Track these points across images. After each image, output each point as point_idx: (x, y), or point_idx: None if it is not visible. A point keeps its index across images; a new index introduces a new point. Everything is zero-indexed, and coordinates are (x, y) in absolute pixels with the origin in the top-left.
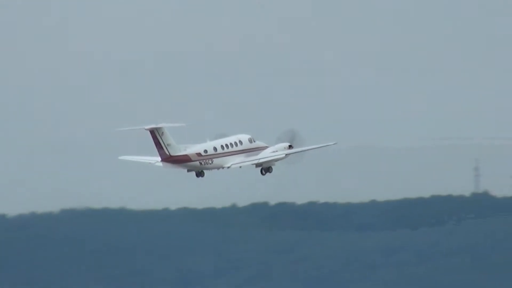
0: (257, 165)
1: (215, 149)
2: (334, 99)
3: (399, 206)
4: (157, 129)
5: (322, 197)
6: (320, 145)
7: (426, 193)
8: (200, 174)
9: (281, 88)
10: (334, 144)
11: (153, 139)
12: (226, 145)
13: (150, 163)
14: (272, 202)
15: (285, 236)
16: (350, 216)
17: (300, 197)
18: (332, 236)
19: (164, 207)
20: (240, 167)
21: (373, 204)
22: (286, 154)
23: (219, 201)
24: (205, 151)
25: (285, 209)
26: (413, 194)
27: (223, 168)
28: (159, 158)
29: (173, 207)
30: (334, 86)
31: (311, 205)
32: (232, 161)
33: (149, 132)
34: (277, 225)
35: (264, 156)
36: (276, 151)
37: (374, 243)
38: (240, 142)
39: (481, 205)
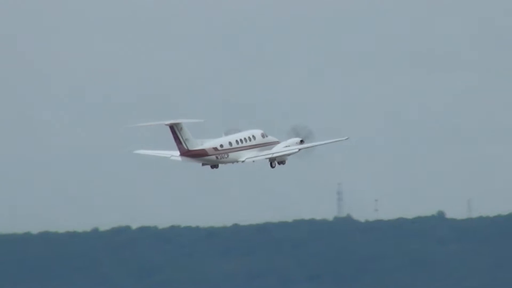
0: (271, 159)
1: (230, 143)
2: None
3: (261, 229)
4: (176, 124)
5: (184, 221)
6: (331, 140)
7: (289, 217)
8: (214, 166)
9: (291, 84)
10: (346, 139)
11: (172, 134)
12: (241, 140)
13: (165, 157)
14: (134, 226)
15: (147, 260)
16: (212, 240)
17: (162, 221)
18: (194, 260)
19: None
20: (254, 161)
21: (236, 228)
22: (299, 149)
23: (80, 225)
24: (221, 145)
25: (147, 233)
26: (276, 218)
27: (237, 162)
28: (174, 152)
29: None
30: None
31: (173, 229)
32: (246, 156)
33: (168, 128)
34: (139, 249)
35: (278, 150)
36: (289, 145)
37: (237, 267)
38: (254, 137)
39: (343, 228)
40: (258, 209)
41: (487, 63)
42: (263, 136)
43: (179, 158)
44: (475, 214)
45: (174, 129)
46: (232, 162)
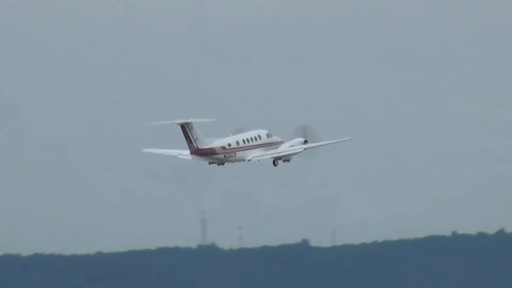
0: (276, 158)
1: (237, 143)
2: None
3: (126, 257)
4: (187, 123)
5: (47, 249)
6: (336, 140)
7: (152, 244)
8: (221, 164)
9: (294, 83)
10: (351, 139)
11: (183, 133)
12: (247, 139)
13: (173, 155)
14: None
15: None
16: (76, 267)
17: (25, 248)
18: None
19: None
20: (258, 160)
21: (99, 256)
22: (304, 149)
23: None
24: (229, 144)
25: (10, 261)
26: (139, 246)
27: (244, 160)
28: (182, 151)
29: None
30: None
31: (36, 256)
32: (252, 155)
33: (179, 127)
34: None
35: (283, 150)
36: (293, 145)
37: None
38: (259, 136)
39: (207, 257)
40: (124, 237)
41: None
42: (268, 136)
43: (188, 157)
44: (339, 242)
45: (185, 128)
46: (239, 160)
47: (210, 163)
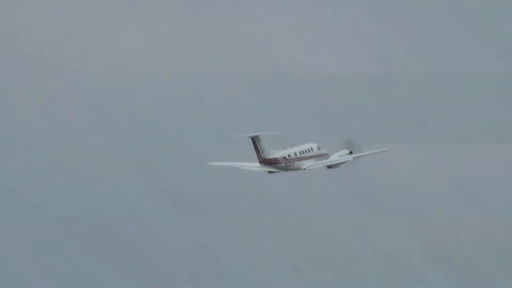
0: (328, 166)
1: (295, 154)
2: None
3: None
4: (256, 136)
5: None
6: (377, 150)
7: None
8: (276, 171)
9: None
10: (390, 150)
11: (253, 145)
12: (303, 151)
13: (237, 167)
14: None
15: None
16: None
17: None
18: None
19: None
20: (310, 169)
21: None
22: (353, 158)
23: None
24: (289, 155)
25: None
26: None
27: (299, 169)
28: (243, 163)
29: None
30: None
31: None
32: (307, 164)
33: (250, 139)
34: None
35: (334, 159)
36: (341, 156)
37: None
38: (312, 149)
39: None
40: None
41: None
42: (318, 148)
43: (249, 168)
44: None
45: (254, 140)
46: (296, 169)
47: (269, 172)
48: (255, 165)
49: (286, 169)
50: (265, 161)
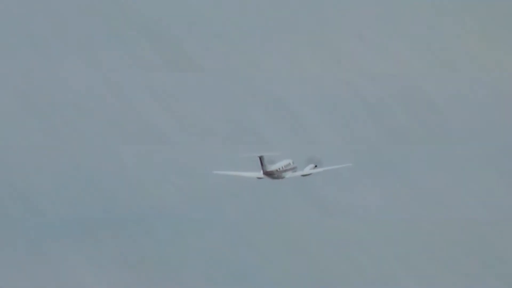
0: (303, 175)
1: (282, 167)
2: None
3: None
4: (262, 156)
5: None
6: (337, 166)
7: None
8: (273, 179)
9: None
10: (349, 165)
11: (260, 161)
12: (286, 165)
13: (240, 176)
14: None
15: None
16: None
17: None
18: None
19: None
20: (288, 177)
21: None
22: (324, 169)
23: None
24: (279, 168)
25: None
26: None
27: (283, 178)
28: (247, 173)
29: None
30: None
31: None
32: (289, 175)
33: (258, 158)
34: None
35: (307, 171)
36: (311, 168)
37: None
38: (291, 163)
39: None
40: None
41: None
42: (293, 163)
43: (252, 176)
44: None
45: (261, 158)
46: (281, 178)
47: (259, 178)
48: (255, 174)
49: (276, 178)
50: (266, 173)
